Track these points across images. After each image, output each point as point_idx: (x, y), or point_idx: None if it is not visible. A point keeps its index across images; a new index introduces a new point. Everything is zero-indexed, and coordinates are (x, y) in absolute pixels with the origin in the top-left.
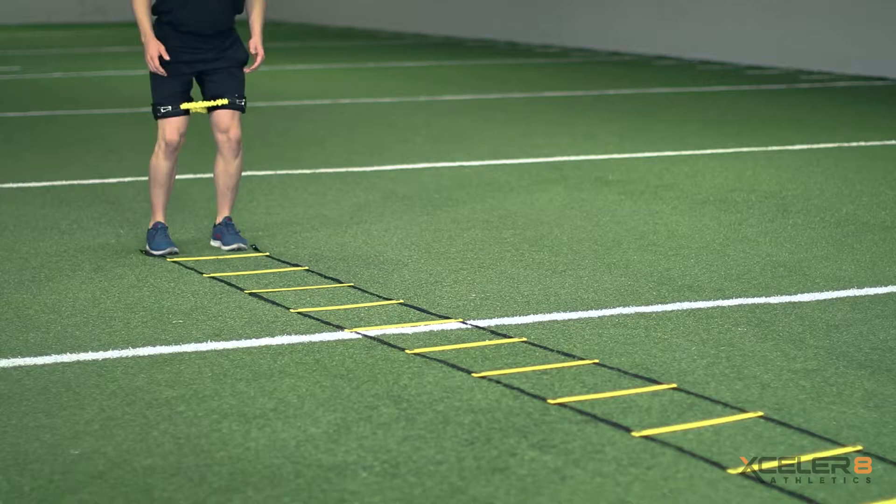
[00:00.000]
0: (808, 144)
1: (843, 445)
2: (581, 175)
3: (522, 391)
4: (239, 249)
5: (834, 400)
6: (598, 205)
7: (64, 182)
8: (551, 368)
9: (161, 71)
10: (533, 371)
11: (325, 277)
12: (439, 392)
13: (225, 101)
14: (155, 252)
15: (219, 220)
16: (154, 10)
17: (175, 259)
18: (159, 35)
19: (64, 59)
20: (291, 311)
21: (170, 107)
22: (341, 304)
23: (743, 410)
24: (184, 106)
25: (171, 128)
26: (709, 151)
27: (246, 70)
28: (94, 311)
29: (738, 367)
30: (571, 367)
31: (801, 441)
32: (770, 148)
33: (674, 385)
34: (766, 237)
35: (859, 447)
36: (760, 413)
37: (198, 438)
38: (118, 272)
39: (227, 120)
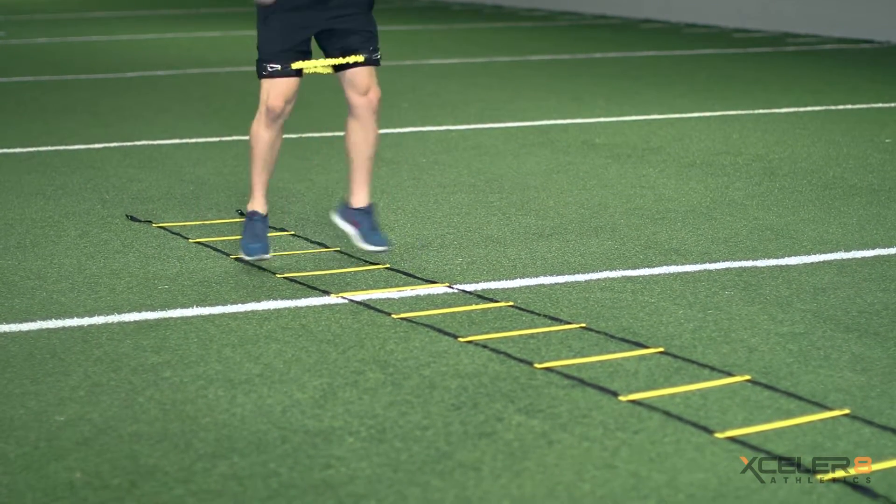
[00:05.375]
0: (795, 108)
1: (830, 409)
2: (567, 139)
3: (509, 355)
4: (384, 252)
5: (821, 363)
6: (584, 168)
7: (49, 147)
8: (538, 333)
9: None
10: (520, 335)
11: (311, 242)
12: (426, 357)
13: (360, 58)
14: (245, 256)
15: (356, 202)
16: None
17: (160, 224)
18: None
19: (48, 24)
20: (277, 276)
21: (278, 66)
22: (327, 269)
23: (730, 374)
24: (296, 65)
25: (276, 92)
26: (695, 115)
27: None
28: (79, 276)
29: (725, 331)
30: (558, 331)
31: (788, 405)
32: (757, 111)
33: (661, 349)
34: (753, 200)
35: (847, 411)
36: (748, 377)
37: (183, 404)
38: (103, 238)
39: (365, 79)
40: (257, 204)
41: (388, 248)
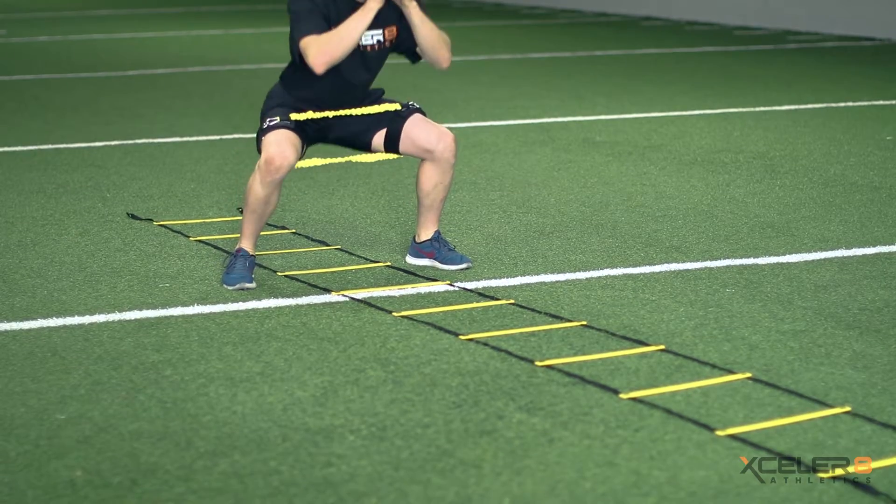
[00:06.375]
0: (796, 105)
1: (831, 406)
2: (568, 136)
3: (510, 353)
4: (468, 268)
5: (822, 361)
6: (585, 166)
7: (50, 146)
8: (539, 330)
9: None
10: (520, 333)
11: (312, 240)
12: (427, 355)
13: (396, 106)
14: (226, 286)
15: (426, 235)
16: (282, 77)
17: (161, 223)
18: (278, 93)
19: (49, 22)
20: (278, 274)
21: (277, 118)
22: (328, 267)
23: (731, 372)
24: (295, 116)
25: (274, 142)
26: (696, 112)
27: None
28: (80, 275)
29: (726, 329)
30: (559, 328)
31: (789, 402)
32: (758, 109)
33: (662, 347)
34: (754, 198)
35: (847, 408)
36: (749, 374)
37: (184, 402)
38: (104, 236)
39: (423, 129)
40: (245, 244)
41: (470, 264)
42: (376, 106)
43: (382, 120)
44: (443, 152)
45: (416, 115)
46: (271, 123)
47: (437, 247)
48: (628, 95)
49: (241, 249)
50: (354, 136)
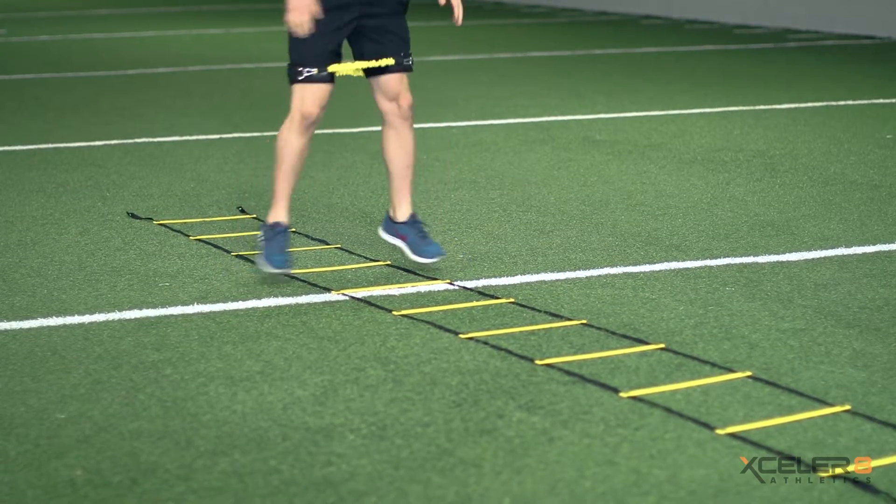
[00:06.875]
0: (796, 104)
1: (831, 405)
2: (568, 135)
3: (510, 352)
4: (438, 262)
5: (822, 359)
6: (585, 165)
7: (50, 145)
8: (539, 329)
9: (306, 31)
10: (520, 332)
11: (312, 239)
12: (426, 353)
13: (390, 61)
14: (270, 267)
15: (401, 215)
16: None
17: (161, 221)
18: None
19: (50, 21)
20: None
21: (314, 70)
22: (328, 266)
23: (731, 370)
24: (332, 68)
25: (311, 97)
26: (696, 111)
27: (456, 21)
28: (80, 274)
29: (726, 327)
30: (559, 327)
31: (789, 401)
32: (758, 107)
33: (662, 345)
34: (754, 196)
35: (847, 407)
36: (749, 373)
37: (184, 402)
38: (104, 235)
39: (395, 85)
40: (281, 214)
41: (443, 256)
42: (375, 62)
43: (392, 50)
44: (391, 111)
45: (401, 74)
46: (308, 75)
47: (409, 231)
48: (628, 94)
49: (279, 223)
50: (362, 43)
